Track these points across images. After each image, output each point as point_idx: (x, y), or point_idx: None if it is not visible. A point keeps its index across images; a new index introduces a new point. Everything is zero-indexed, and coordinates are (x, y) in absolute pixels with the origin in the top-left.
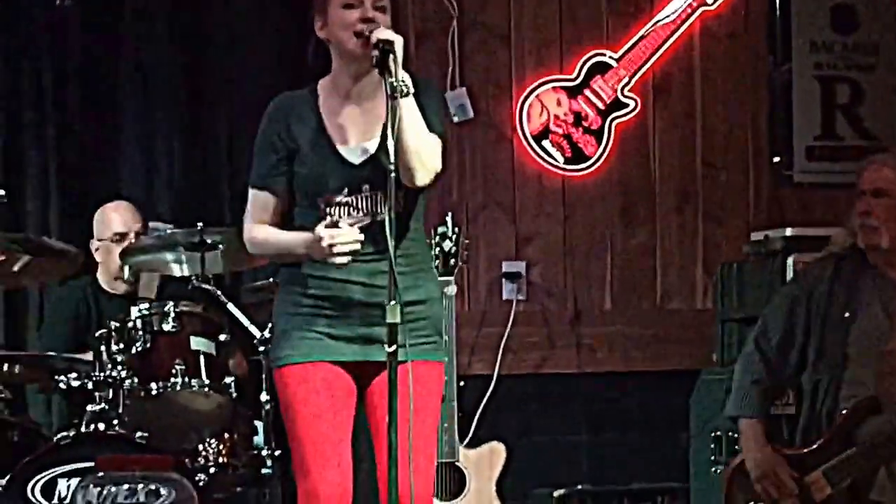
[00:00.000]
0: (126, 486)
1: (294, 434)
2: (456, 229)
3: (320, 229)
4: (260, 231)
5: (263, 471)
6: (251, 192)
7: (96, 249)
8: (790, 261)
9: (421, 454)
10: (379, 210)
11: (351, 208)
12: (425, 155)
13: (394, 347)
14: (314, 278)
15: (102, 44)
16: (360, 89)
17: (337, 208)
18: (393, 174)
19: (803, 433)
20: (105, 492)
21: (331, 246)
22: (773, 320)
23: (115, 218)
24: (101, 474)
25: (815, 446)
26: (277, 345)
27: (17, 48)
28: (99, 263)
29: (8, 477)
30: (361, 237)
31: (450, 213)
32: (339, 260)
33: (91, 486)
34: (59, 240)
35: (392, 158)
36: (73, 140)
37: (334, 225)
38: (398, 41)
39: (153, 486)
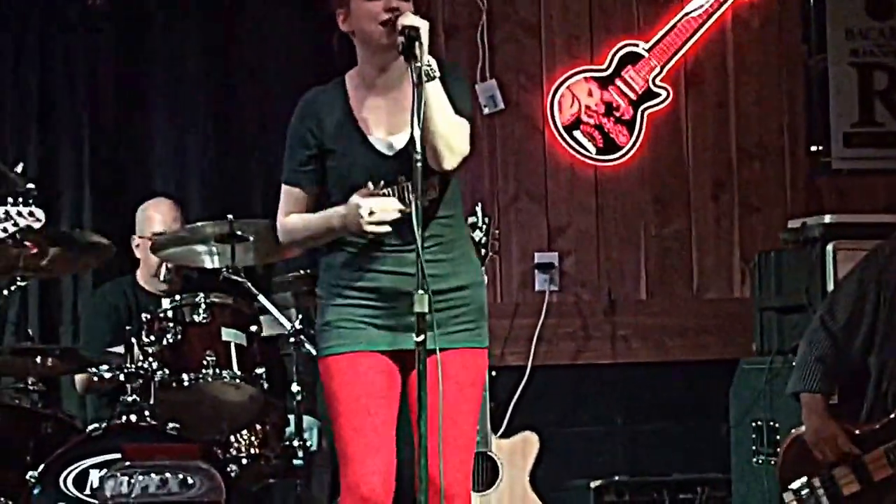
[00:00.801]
0: (157, 477)
1: (338, 423)
2: (486, 220)
3: (357, 197)
4: (291, 218)
5: (295, 462)
6: (283, 187)
7: (136, 246)
8: (829, 248)
9: (462, 444)
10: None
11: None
12: (453, 139)
13: (422, 337)
14: (353, 270)
15: (134, 41)
16: (386, 79)
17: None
18: (419, 163)
19: (868, 415)
20: (133, 481)
21: (370, 213)
22: (841, 299)
23: (154, 216)
24: (128, 464)
25: (877, 426)
26: (322, 336)
27: (51, 46)
28: (140, 261)
29: (41, 468)
30: (401, 207)
31: (479, 204)
32: (376, 229)
33: (120, 475)
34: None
35: (418, 146)
36: (106, 135)
37: (372, 195)
38: (424, 26)
39: (183, 476)
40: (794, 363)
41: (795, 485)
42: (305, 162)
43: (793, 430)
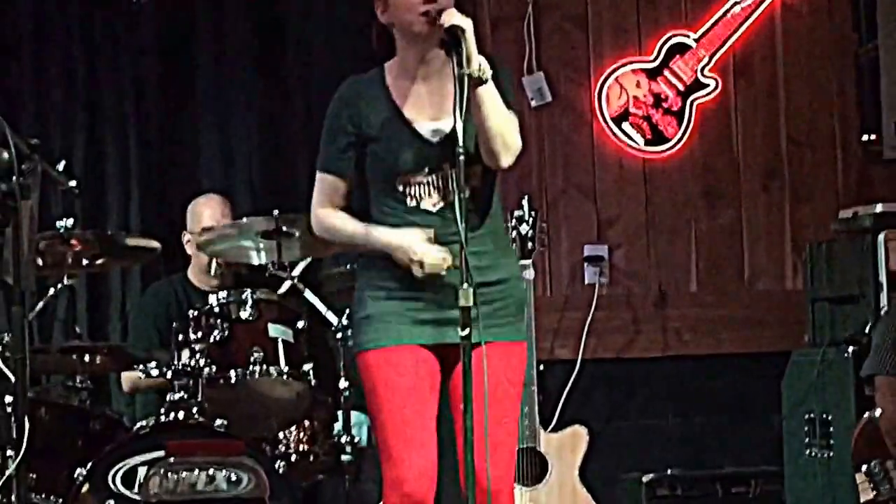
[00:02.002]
0: (203, 473)
1: (379, 419)
2: (533, 213)
3: (416, 242)
4: (334, 217)
5: (343, 458)
6: (319, 175)
7: (187, 242)
8: (881, 237)
9: (505, 438)
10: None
11: (431, 187)
12: (508, 137)
13: (467, 331)
14: (395, 261)
15: (179, 37)
16: (427, 69)
17: (417, 188)
18: (462, 156)
19: None
20: (179, 477)
21: (420, 262)
22: None
23: (204, 212)
24: (172, 460)
25: None
26: (361, 329)
27: (96, 44)
28: (191, 257)
29: (89, 466)
30: (450, 261)
31: (526, 197)
32: (418, 272)
33: (164, 472)
34: (139, 232)
35: (461, 141)
36: (152, 133)
37: (429, 240)
38: (468, 25)
39: (228, 473)
40: (845, 353)
41: (868, 467)
42: (345, 148)
43: (866, 413)
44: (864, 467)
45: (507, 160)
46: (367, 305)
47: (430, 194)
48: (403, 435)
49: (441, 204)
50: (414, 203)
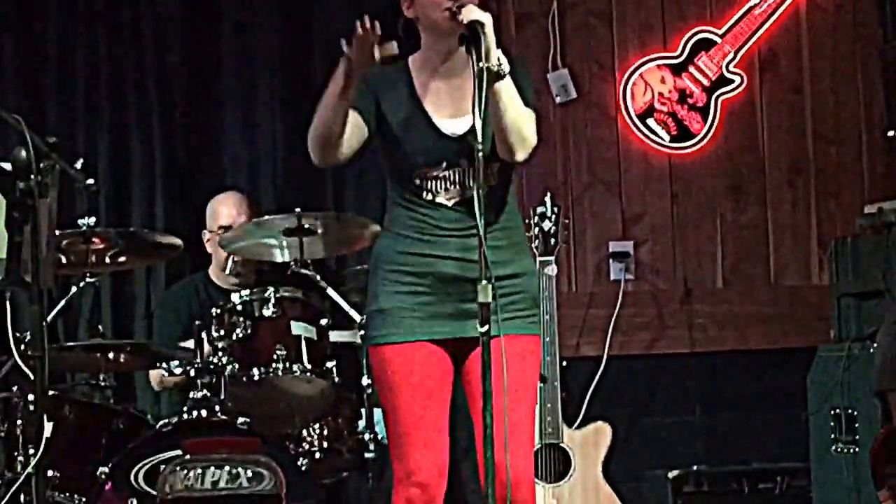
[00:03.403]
0: (223, 471)
1: (392, 414)
2: (555, 209)
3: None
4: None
5: (367, 455)
6: None
7: (207, 240)
8: None
9: (522, 430)
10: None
11: (448, 182)
12: (525, 131)
13: (486, 327)
14: (410, 255)
15: (204, 37)
16: (450, 65)
17: (434, 182)
18: (481, 153)
19: None
20: (196, 475)
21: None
22: None
23: (221, 211)
24: (188, 457)
25: None
26: (374, 323)
27: (120, 42)
28: (211, 256)
29: (112, 464)
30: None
31: (549, 193)
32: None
33: (186, 470)
34: (164, 231)
35: (479, 136)
36: (176, 132)
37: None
38: (488, 20)
39: (248, 471)
40: (870, 349)
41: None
42: (365, 95)
43: (882, 428)
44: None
45: (522, 154)
46: (380, 299)
47: (447, 189)
48: (416, 431)
49: (457, 199)
50: (430, 197)
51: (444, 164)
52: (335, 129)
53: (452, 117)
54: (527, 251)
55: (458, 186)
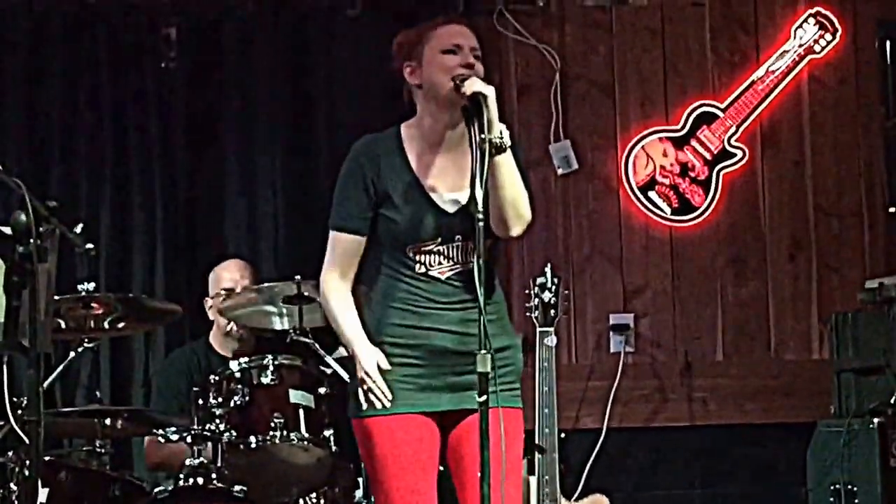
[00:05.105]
0: None
1: (380, 487)
2: (555, 280)
3: (368, 364)
4: (338, 301)
5: None
6: (334, 234)
7: (209, 307)
8: None
9: (513, 502)
10: (468, 259)
11: (442, 257)
12: (521, 206)
13: (484, 397)
14: (401, 327)
15: (206, 102)
16: (450, 137)
17: (428, 256)
18: (481, 223)
19: None
20: None
21: (362, 382)
22: None
23: (224, 275)
24: None
25: None
26: (360, 396)
27: (124, 107)
28: (213, 323)
29: None
30: (389, 397)
31: (549, 264)
32: (361, 396)
33: None
34: (164, 297)
35: (480, 207)
36: (178, 198)
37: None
38: (491, 92)
39: None
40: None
41: None
42: (365, 207)
43: None
44: None
45: (518, 229)
46: None
47: (440, 262)
48: (412, 502)
49: (449, 273)
50: (423, 269)
51: (440, 239)
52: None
53: (450, 191)
54: (510, 325)
55: (451, 260)
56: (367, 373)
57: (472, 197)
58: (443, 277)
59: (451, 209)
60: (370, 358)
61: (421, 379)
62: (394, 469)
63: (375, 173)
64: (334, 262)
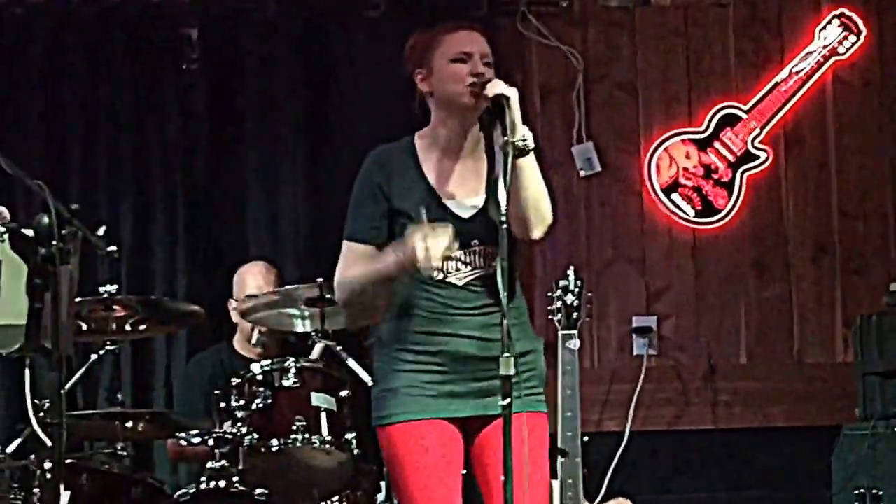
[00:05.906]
0: None
1: (404, 494)
2: (578, 282)
3: (412, 235)
4: (355, 269)
5: None
6: (347, 244)
7: (233, 310)
8: None
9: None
10: (487, 264)
11: (460, 263)
12: (543, 209)
13: (508, 400)
14: (421, 334)
15: (227, 103)
16: (463, 144)
17: (446, 263)
18: (504, 226)
19: None
20: None
21: (426, 249)
22: None
23: (248, 280)
24: None
25: None
26: (383, 403)
27: (144, 110)
28: (236, 325)
29: None
30: (454, 243)
31: (572, 267)
32: (432, 264)
33: None
34: (186, 299)
35: (503, 210)
36: (200, 200)
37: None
38: (514, 94)
39: None
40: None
41: None
42: (378, 217)
43: None
44: None
45: (539, 232)
46: (389, 379)
47: (457, 269)
48: None
49: (468, 278)
50: (441, 276)
51: (457, 246)
52: (367, 301)
53: (466, 197)
54: (532, 330)
55: (469, 266)
56: (416, 238)
57: (493, 201)
58: (461, 283)
59: (467, 215)
60: (409, 234)
61: (443, 385)
62: (417, 476)
63: (387, 184)
64: (347, 269)
